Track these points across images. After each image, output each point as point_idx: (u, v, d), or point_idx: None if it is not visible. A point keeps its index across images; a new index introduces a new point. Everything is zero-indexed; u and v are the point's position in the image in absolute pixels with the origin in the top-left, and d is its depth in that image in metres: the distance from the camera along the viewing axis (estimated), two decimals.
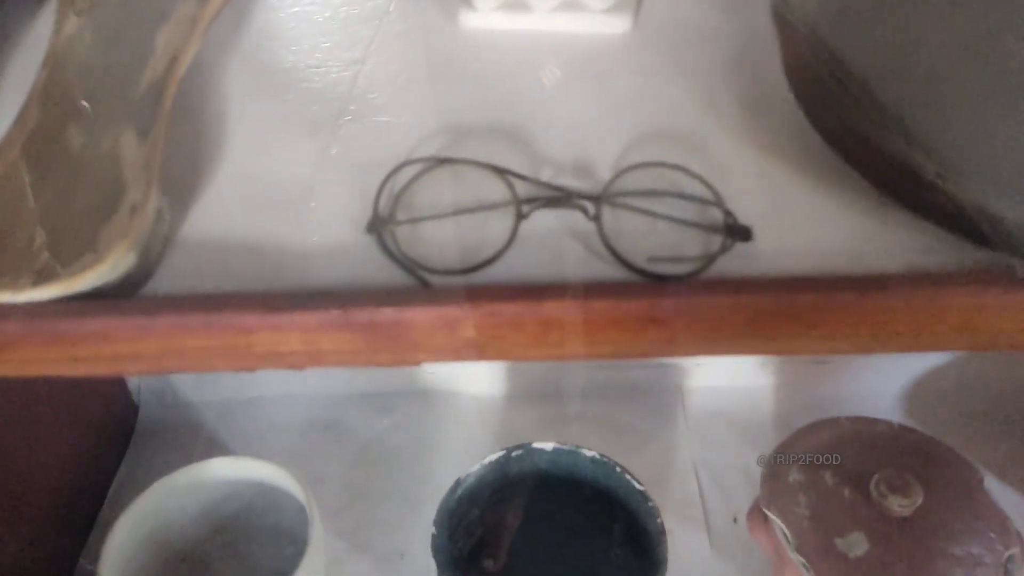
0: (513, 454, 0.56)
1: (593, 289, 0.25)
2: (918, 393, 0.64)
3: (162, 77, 0.30)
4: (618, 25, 0.34)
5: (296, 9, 0.37)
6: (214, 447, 0.60)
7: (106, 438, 0.64)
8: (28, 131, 0.28)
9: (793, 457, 0.52)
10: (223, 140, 0.31)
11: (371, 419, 0.65)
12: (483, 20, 0.34)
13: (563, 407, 0.64)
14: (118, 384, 0.65)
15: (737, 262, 0.26)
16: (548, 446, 0.56)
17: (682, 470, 0.61)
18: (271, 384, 0.66)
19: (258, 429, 0.64)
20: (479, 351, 0.26)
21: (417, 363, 0.27)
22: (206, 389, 0.65)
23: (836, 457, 0.51)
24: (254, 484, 0.54)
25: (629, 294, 0.25)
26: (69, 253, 0.25)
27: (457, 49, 0.34)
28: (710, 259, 0.26)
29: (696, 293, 0.25)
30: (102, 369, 0.27)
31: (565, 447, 0.56)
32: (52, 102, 0.29)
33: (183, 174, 0.30)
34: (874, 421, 0.54)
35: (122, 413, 0.65)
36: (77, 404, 0.60)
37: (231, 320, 0.25)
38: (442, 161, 0.29)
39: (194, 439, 0.63)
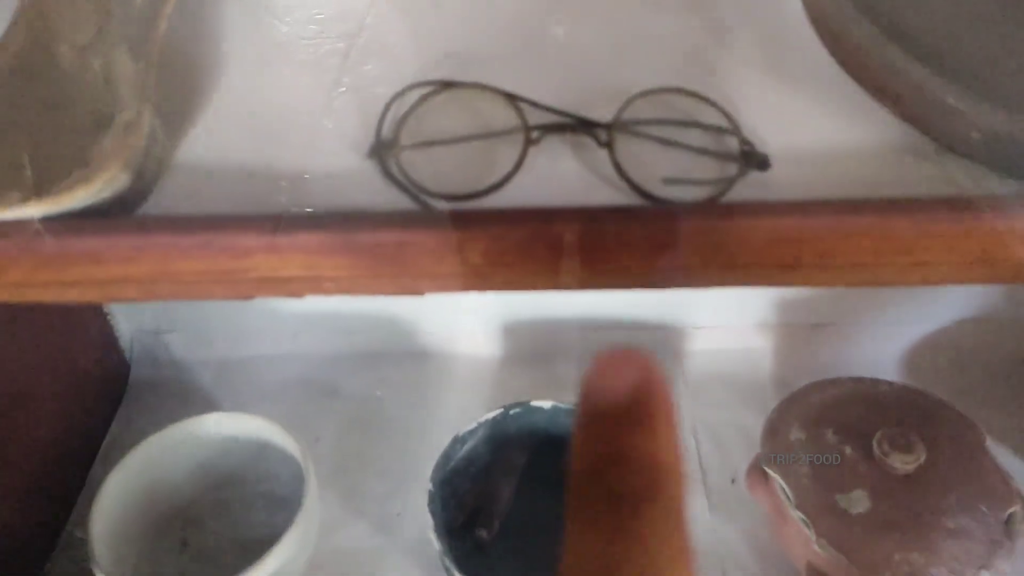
0: (511, 412, 0.55)
1: (604, 213, 0.24)
2: (917, 357, 0.64)
3: None
4: None
5: None
6: (208, 407, 0.59)
7: (97, 396, 0.63)
8: (16, 48, 0.27)
9: (795, 415, 0.51)
10: (220, 66, 0.30)
11: (367, 380, 0.64)
12: None
13: (560, 369, 0.64)
14: (110, 341, 0.63)
15: (754, 191, 0.26)
16: (547, 404, 0.55)
17: (680, 432, 0.60)
18: (266, 343, 0.65)
19: (253, 389, 0.63)
20: (485, 280, 0.25)
21: (420, 293, 0.26)
22: (200, 348, 0.64)
23: (839, 414, 0.51)
24: (249, 441, 0.54)
25: (642, 217, 0.24)
26: (59, 170, 0.24)
27: None
28: (728, 184, 0.25)
29: (710, 217, 0.24)
30: (92, 295, 0.26)
31: (564, 405, 0.55)
32: (39, 19, 0.28)
33: (179, 99, 0.29)
34: (876, 381, 0.54)
35: (114, 371, 0.64)
36: (67, 361, 0.59)
37: (229, 241, 0.24)
38: (448, 85, 0.28)
39: (187, 398, 0.62)
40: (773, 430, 0.51)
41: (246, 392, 0.63)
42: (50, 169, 0.24)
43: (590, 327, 0.65)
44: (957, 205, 0.24)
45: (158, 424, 0.53)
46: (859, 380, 0.54)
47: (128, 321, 0.64)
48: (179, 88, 0.29)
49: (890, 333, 0.64)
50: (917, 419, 0.50)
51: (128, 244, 0.24)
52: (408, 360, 0.65)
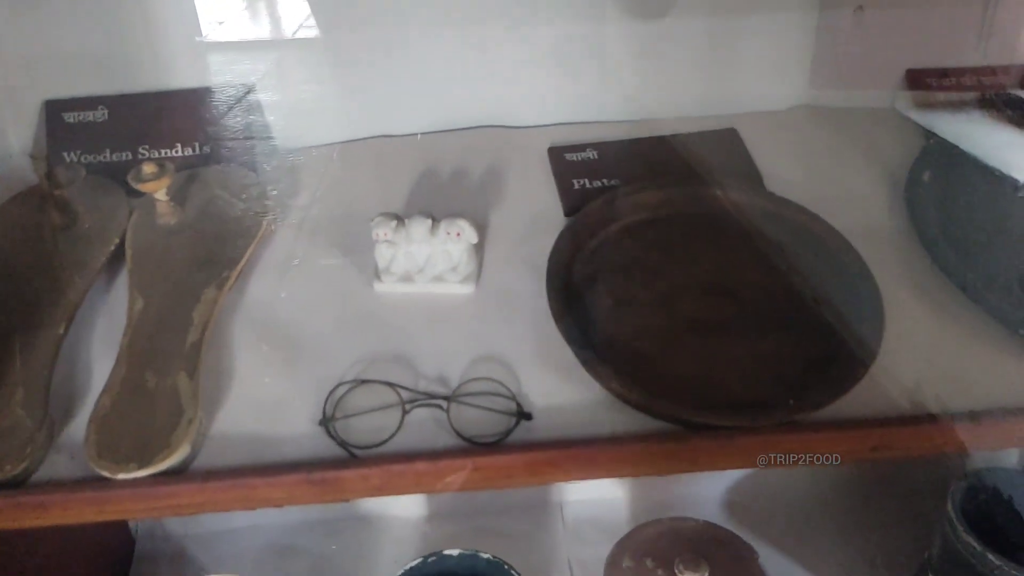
0: (429, 559, 0.75)
1: (443, 453, 0.47)
2: (732, 495, 0.86)
3: (198, 339, 0.52)
4: (466, 290, 0.57)
5: (277, 293, 0.59)
6: (201, 572, 0.77)
7: (108, 568, 0.80)
8: (121, 376, 0.50)
9: (626, 549, 0.72)
10: (233, 371, 0.53)
11: (320, 540, 0.84)
12: (387, 287, 0.57)
13: (470, 521, 0.84)
14: (120, 521, 0.82)
15: (524, 434, 0.48)
16: (455, 552, 0.75)
17: (559, 565, 0.80)
18: (241, 517, 0.84)
19: (232, 554, 0.82)
20: (381, 490, 0.47)
21: (348, 500, 0.48)
22: (190, 523, 0.83)
23: (655, 547, 0.72)
24: None
25: (461, 454, 0.47)
26: (155, 449, 0.46)
27: (372, 305, 0.57)
28: (506, 433, 0.48)
29: (495, 452, 0.47)
30: (165, 514, 0.47)
31: (468, 552, 0.75)
32: (134, 357, 0.51)
33: (212, 394, 0.51)
34: (686, 519, 0.76)
35: (121, 546, 0.82)
36: (83, 537, 0.78)
37: (245, 481, 0.46)
38: (362, 382, 0.51)
39: (184, 566, 0.80)
40: (612, 562, 0.72)
41: (228, 556, 0.82)
42: (149, 449, 0.46)
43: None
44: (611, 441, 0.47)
45: None
46: (674, 519, 0.76)
47: None
48: (212, 387, 0.51)
49: (713, 479, 0.87)
50: (707, 545, 0.71)
51: (192, 488, 0.45)
52: (353, 522, 0.85)
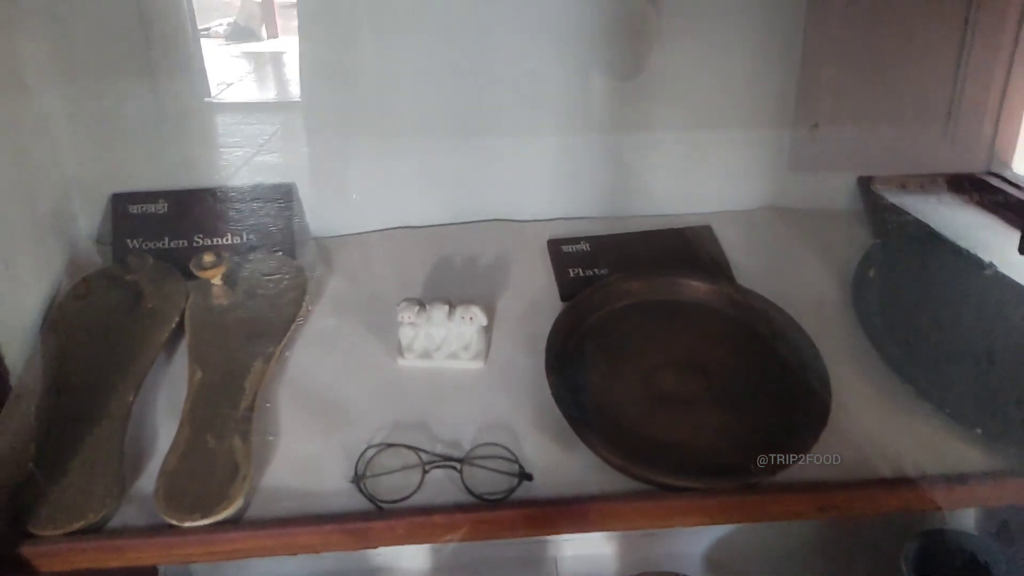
0: None
1: (456, 508, 0.56)
2: (711, 552, 0.94)
3: (250, 404, 0.61)
4: (476, 365, 0.67)
5: (315, 366, 0.69)
6: None
7: None
8: (185, 437, 0.58)
9: None
10: (279, 433, 0.61)
11: None
12: (409, 363, 0.67)
13: (475, 573, 0.92)
14: (151, 570, 0.89)
15: (525, 492, 0.57)
16: None
17: None
18: (264, 568, 0.91)
19: None
20: (405, 540, 0.56)
21: (376, 547, 0.56)
22: (216, 571, 0.90)
23: None
24: None
25: (472, 509, 0.55)
26: (215, 501, 0.54)
27: (395, 377, 0.66)
28: (510, 491, 0.57)
29: (500, 508, 0.56)
30: (220, 558, 0.55)
31: None
32: (195, 421, 0.60)
33: (260, 453, 0.60)
34: (668, 573, 0.84)
35: None
36: None
37: (289, 531, 0.54)
38: (388, 445, 0.60)
39: None
40: None
41: None
42: (209, 501, 0.54)
43: (493, 543, 0.94)
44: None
45: None
46: (661, 572, 0.84)
47: None
48: (260, 447, 0.60)
49: (694, 538, 0.95)
50: None
51: (246, 535, 0.54)
52: (364, 574, 0.92)
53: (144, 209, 0.77)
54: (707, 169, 0.85)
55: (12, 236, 0.68)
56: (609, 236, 0.82)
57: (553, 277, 0.78)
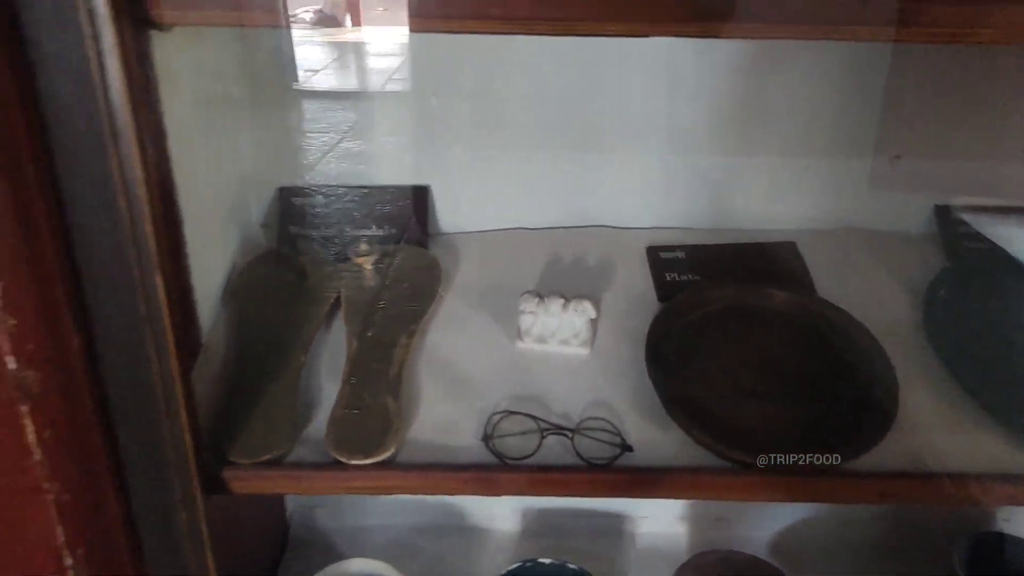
0: (527, 564, 0.94)
1: (569, 468, 0.67)
2: (778, 538, 1.03)
3: (398, 372, 0.73)
4: (584, 351, 0.78)
5: (448, 344, 0.81)
6: (344, 556, 0.98)
7: (265, 545, 1.02)
8: (346, 395, 0.71)
9: (687, 572, 0.90)
10: (421, 398, 0.74)
11: (435, 541, 1.04)
12: (526, 346, 0.79)
13: (558, 540, 1.03)
14: (280, 508, 1.04)
15: (629, 461, 0.68)
16: (547, 560, 0.94)
17: None
18: (375, 516, 1.05)
19: (365, 545, 1.02)
20: (526, 492, 0.67)
21: (500, 495, 0.68)
22: (336, 517, 1.04)
23: (711, 572, 0.89)
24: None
25: (582, 471, 0.66)
26: (373, 446, 0.67)
27: (515, 357, 0.78)
28: (613, 458, 0.68)
29: (605, 472, 0.66)
30: (375, 492, 0.68)
31: (558, 561, 0.94)
32: (354, 383, 0.72)
33: (406, 413, 0.72)
34: (739, 553, 0.93)
35: (276, 528, 1.04)
36: (245, 519, 0.99)
37: (433, 474, 0.67)
38: (511, 413, 0.71)
39: (326, 549, 1.01)
40: None
41: (363, 547, 1.02)
42: (369, 445, 0.67)
43: (579, 513, 1.05)
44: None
45: (313, 567, 0.93)
46: (729, 551, 0.93)
47: (293, 498, 1.05)
48: (406, 408, 0.73)
49: (763, 524, 1.04)
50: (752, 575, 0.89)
51: (396, 474, 0.66)
52: (462, 530, 1.05)
53: (305, 201, 0.91)
54: (793, 190, 0.93)
55: (209, 223, 0.83)
56: (702, 246, 0.92)
57: (651, 280, 0.88)
